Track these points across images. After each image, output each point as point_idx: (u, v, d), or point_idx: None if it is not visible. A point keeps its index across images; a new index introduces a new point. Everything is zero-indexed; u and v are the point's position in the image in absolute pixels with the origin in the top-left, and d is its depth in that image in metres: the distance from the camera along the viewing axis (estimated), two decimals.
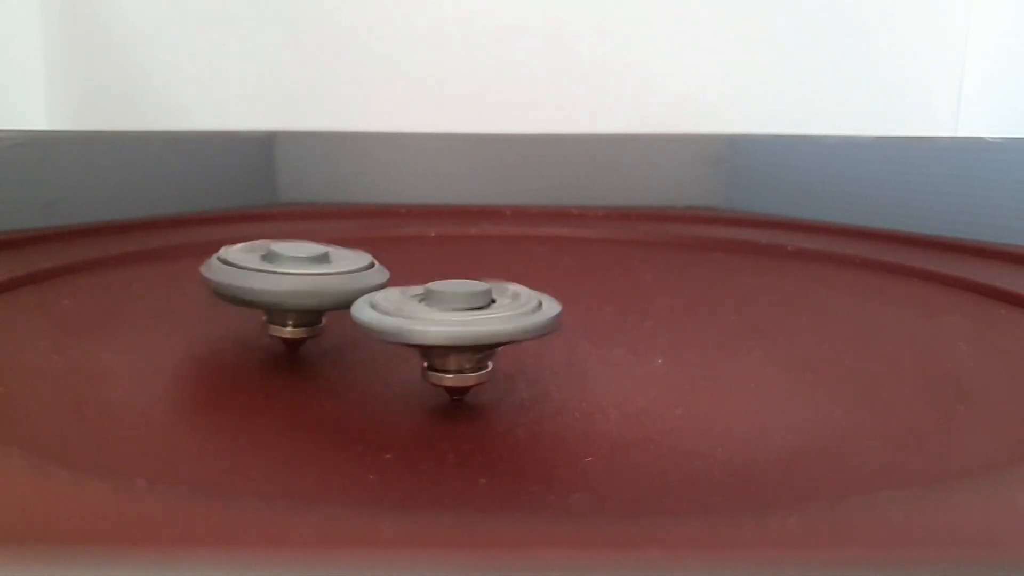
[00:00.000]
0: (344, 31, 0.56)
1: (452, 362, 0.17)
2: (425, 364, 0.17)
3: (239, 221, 0.44)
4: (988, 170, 0.38)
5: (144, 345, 0.23)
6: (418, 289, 0.18)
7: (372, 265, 0.20)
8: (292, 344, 0.20)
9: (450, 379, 0.17)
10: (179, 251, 0.36)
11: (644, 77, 0.55)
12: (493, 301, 0.17)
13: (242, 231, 0.41)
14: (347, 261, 0.20)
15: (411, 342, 0.16)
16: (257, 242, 0.21)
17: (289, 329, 0.20)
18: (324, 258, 0.20)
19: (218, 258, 0.20)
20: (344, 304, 0.18)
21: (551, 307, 0.17)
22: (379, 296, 0.18)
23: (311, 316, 0.20)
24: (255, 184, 0.51)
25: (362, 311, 0.17)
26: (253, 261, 0.19)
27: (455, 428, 0.17)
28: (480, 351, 0.17)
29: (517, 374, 0.20)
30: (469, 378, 0.17)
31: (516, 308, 0.17)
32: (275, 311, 0.20)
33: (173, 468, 0.15)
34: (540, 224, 0.44)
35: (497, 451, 0.16)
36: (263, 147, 0.51)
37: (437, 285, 0.17)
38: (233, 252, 0.20)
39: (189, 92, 0.57)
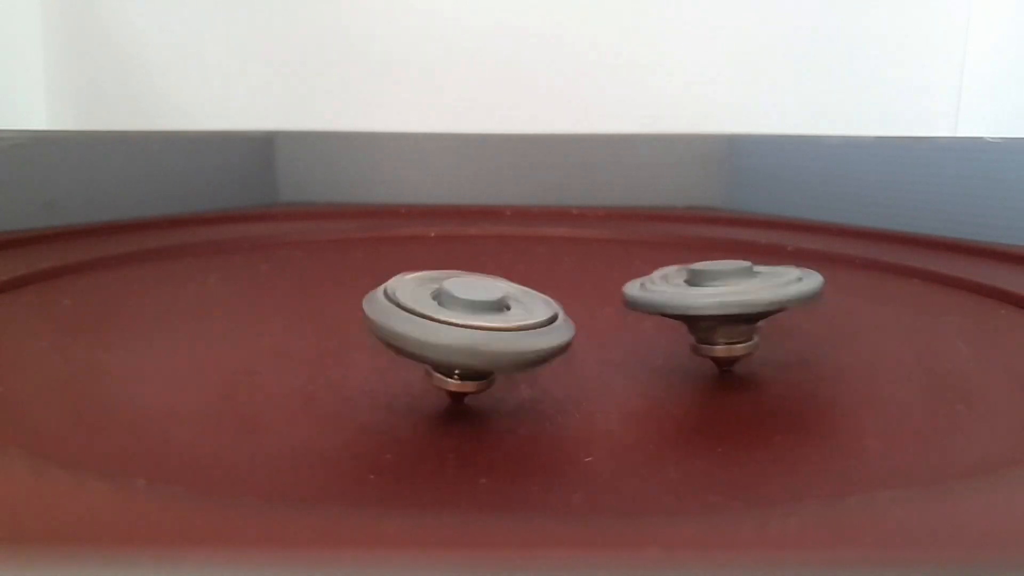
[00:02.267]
0: (344, 31, 0.56)
1: (720, 334, 0.18)
2: (695, 338, 0.19)
3: (239, 221, 0.44)
4: (988, 170, 0.38)
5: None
6: (682, 271, 0.20)
7: (555, 318, 0.17)
8: (456, 396, 0.18)
9: (720, 350, 0.19)
10: (179, 251, 0.36)
11: (644, 77, 0.55)
12: (754, 276, 0.19)
13: (242, 231, 0.41)
14: (526, 311, 0.17)
15: (686, 313, 0.18)
16: (433, 273, 0.18)
17: (455, 381, 0.17)
18: (500, 305, 0.17)
19: (385, 292, 0.17)
20: (515, 368, 0.16)
21: (812, 280, 0.19)
22: (646, 279, 0.19)
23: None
24: (255, 184, 0.51)
25: (633, 290, 0.19)
26: (423, 301, 0.16)
27: (459, 431, 0.17)
28: (747, 321, 0.18)
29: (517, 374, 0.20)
30: (737, 349, 0.18)
31: (776, 280, 0.18)
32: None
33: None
34: (540, 224, 0.44)
35: (497, 451, 0.16)
36: (263, 147, 0.51)
37: (701, 265, 0.19)
38: (404, 286, 0.17)
39: (189, 92, 0.57)
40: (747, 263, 0.19)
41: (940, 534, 0.11)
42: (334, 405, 0.18)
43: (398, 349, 0.16)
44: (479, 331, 0.15)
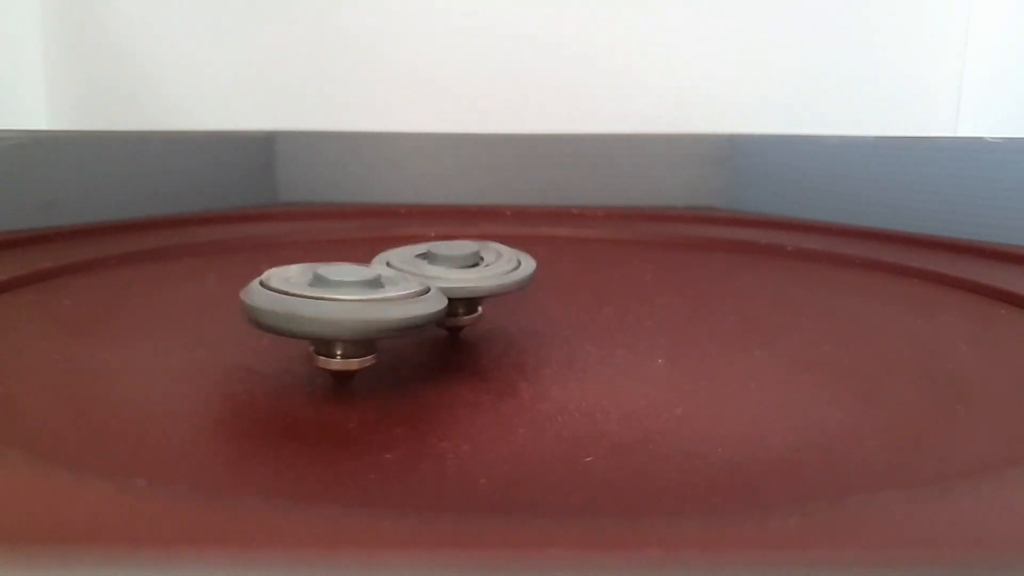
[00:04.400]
0: (344, 31, 0.56)
1: (459, 308, 0.21)
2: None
3: (239, 221, 0.44)
4: (988, 170, 0.38)
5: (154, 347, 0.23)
6: (421, 248, 0.22)
7: (428, 290, 0.19)
8: (341, 377, 0.18)
9: (450, 321, 0.22)
10: (179, 251, 0.36)
11: (644, 77, 0.55)
12: (482, 260, 0.22)
13: (242, 231, 0.41)
14: (400, 285, 0.19)
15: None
16: (301, 265, 0.19)
17: (338, 360, 0.18)
18: (376, 282, 0.18)
19: (260, 283, 0.18)
20: (399, 332, 0.17)
21: (527, 268, 0.22)
22: (393, 255, 0.21)
23: (364, 345, 0.18)
24: (255, 184, 0.51)
25: (381, 265, 0.21)
26: (299, 286, 0.18)
27: (458, 431, 0.17)
28: (471, 299, 0.22)
29: (518, 374, 0.20)
30: (463, 320, 0.22)
31: (495, 269, 0.21)
32: (322, 341, 0.18)
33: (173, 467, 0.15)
34: (540, 224, 0.44)
35: (498, 451, 0.16)
36: (263, 147, 0.51)
37: (436, 247, 0.22)
38: (276, 276, 0.18)
39: (189, 92, 0.57)
40: (475, 248, 0.22)
41: (940, 534, 0.11)
42: (334, 405, 0.18)
43: (278, 329, 0.17)
44: (352, 302, 0.17)
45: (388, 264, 0.21)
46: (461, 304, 0.22)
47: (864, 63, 0.54)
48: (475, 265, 0.22)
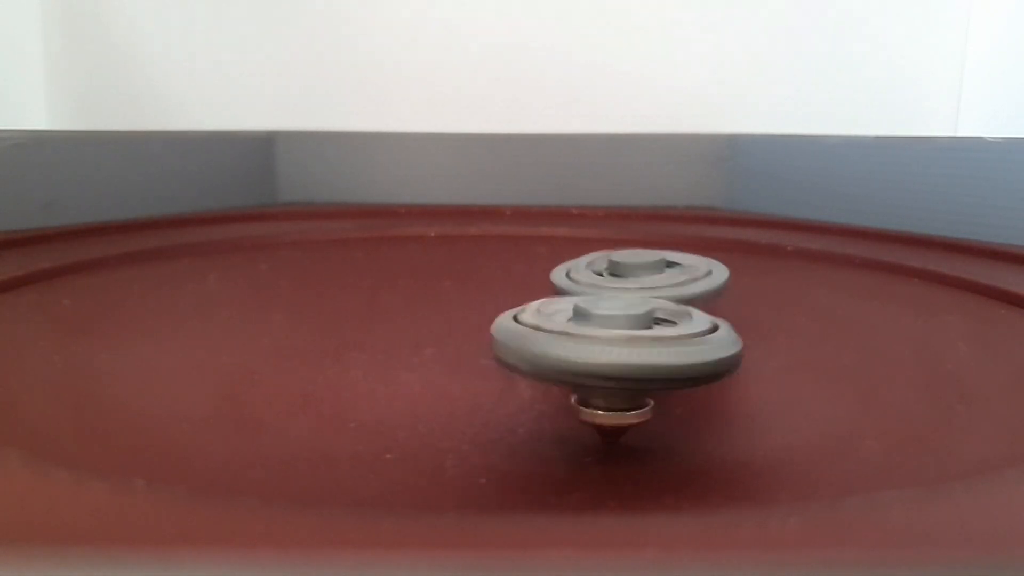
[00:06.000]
0: (344, 31, 0.56)
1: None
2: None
3: (239, 221, 0.44)
4: (988, 170, 0.38)
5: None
6: (604, 259, 0.21)
7: (715, 328, 0.16)
8: (609, 432, 0.16)
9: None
10: (179, 251, 0.36)
11: (644, 77, 0.55)
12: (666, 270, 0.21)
13: (242, 231, 0.41)
14: (681, 323, 0.16)
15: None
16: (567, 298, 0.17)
17: (606, 413, 0.15)
18: (646, 318, 0.15)
19: (514, 316, 0.16)
20: (671, 384, 0.15)
21: (719, 275, 0.21)
22: (573, 267, 0.21)
23: (632, 396, 0.15)
24: (255, 184, 0.51)
25: (559, 278, 0.20)
26: (559, 322, 0.15)
27: (457, 431, 0.17)
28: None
29: (517, 375, 0.20)
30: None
31: (683, 276, 0.20)
32: (584, 389, 0.15)
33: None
34: (540, 224, 0.44)
35: (497, 451, 0.16)
36: (263, 147, 0.51)
37: (620, 255, 0.21)
38: (535, 309, 0.16)
39: (189, 92, 0.57)
40: (661, 256, 0.21)
41: (940, 534, 0.11)
42: (333, 405, 0.18)
43: (542, 374, 0.14)
44: (628, 345, 0.14)
45: (568, 276, 0.20)
46: None
47: (864, 63, 0.54)
48: (662, 272, 0.20)
